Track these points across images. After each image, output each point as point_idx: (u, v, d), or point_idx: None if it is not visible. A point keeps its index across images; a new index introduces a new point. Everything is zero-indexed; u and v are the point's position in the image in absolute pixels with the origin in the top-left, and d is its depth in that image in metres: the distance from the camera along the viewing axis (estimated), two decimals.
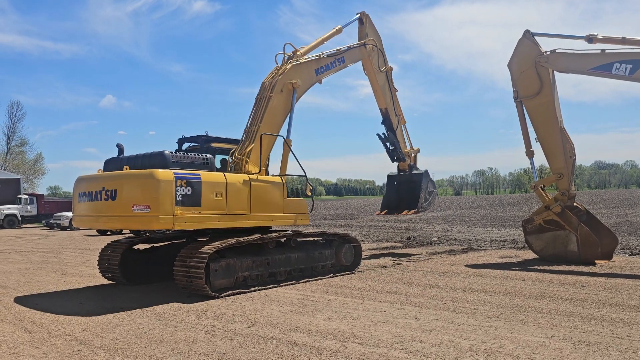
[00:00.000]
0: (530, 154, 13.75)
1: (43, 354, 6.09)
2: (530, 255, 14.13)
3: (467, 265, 12.89)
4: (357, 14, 15.39)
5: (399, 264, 13.54)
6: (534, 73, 13.17)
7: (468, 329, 6.73)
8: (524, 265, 12.62)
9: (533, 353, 5.64)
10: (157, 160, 9.47)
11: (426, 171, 16.25)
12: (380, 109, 16.00)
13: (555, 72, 13.23)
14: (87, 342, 6.57)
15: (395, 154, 16.01)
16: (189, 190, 9.25)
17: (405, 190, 16.24)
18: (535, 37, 13.37)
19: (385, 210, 16.35)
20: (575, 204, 13.34)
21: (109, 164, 10.27)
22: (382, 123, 16.11)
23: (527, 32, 13.42)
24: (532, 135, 13.58)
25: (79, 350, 6.19)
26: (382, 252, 16.60)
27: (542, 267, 12.12)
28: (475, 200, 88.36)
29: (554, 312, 7.67)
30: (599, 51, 12.16)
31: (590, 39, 12.47)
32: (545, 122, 13.23)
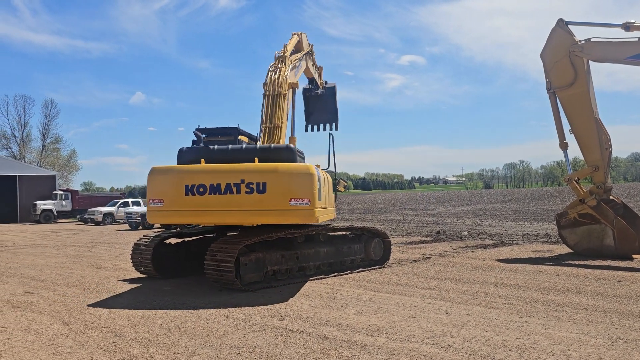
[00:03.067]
0: (564, 146, 13.43)
1: (80, 345, 6.26)
2: (564, 249, 13.82)
3: (498, 260, 12.69)
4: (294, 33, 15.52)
5: (429, 258, 13.42)
6: (568, 63, 12.82)
7: (500, 325, 6.62)
8: (557, 260, 12.35)
9: (568, 349, 5.51)
10: (285, 154, 9.61)
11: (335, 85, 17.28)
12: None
13: (590, 61, 12.86)
14: (121, 334, 6.72)
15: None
16: (318, 184, 9.50)
17: (323, 104, 17.00)
18: (569, 26, 13.01)
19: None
20: (611, 197, 12.97)
21: (189, 154, 9.82)
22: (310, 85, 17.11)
23: (560, 20, 13.07)
24: (566, 127, 13.24)
25: (114, 342, 6.34)
26: (411, 246, 16.48)
27: (576, 262, 11.84)
28: (506, 194, 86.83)
29: (590, 308, 7.48)
30: (637, 39, 11.77)
31: (627, 26, 12.07)
32: (580, 113, 12.88)
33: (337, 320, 7.12)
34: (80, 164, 78.30)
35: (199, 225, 10.39)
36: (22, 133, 67.78)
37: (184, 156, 9.83)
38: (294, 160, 9.51)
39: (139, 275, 11.52)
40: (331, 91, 17.11)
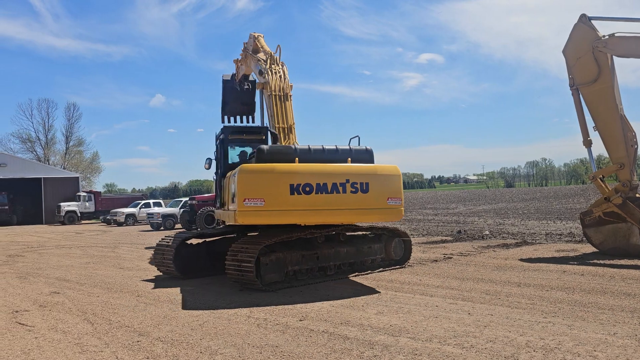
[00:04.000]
0: (587, 143, 13.19)
1: (105, 344, 6.35)
2: (588, 248, 13.58)
3: (521, 260, 12.52)
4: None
5: (450, 258, 13.31)
6: (591, 59, 12.59)
7: (524, 325, 6.53)
8: (582, 260, 12.14)
9: (595, 350, 5.41)
10: (366, 156, 10.00)
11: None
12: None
13: (614, 57, 12.61)
14: (145, 333, 6.80)
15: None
16: None
17: (241, 95, 16.25)
18: (592, 21, 12.77)
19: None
20: (637, 195, 12.69)
21: (275, 154, 9.67)
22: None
23: (583, 16, 12.84)
24: (590, 123, 13.00)
25: (138, 342, 6.42)
26: (432, 246, 16.37)
27: (602, 261, 11.62)
28: (529, 193, 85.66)
29: (617, 308, 7.34)
30: None
31: None
32: (604, 110, 12.63)
33: (358, 320, 7.10)
34: (102, 166, 79.57)
35: (299, 224, 10.09)
36: (47, 136, 69.10)
37: (265, 156, 9.59)
38: (372, 162, 9.93)
39: (161, 275, 11.65)
40: (252, 85, 16.23)
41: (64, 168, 60.98)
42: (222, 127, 12.00)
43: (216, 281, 10.77)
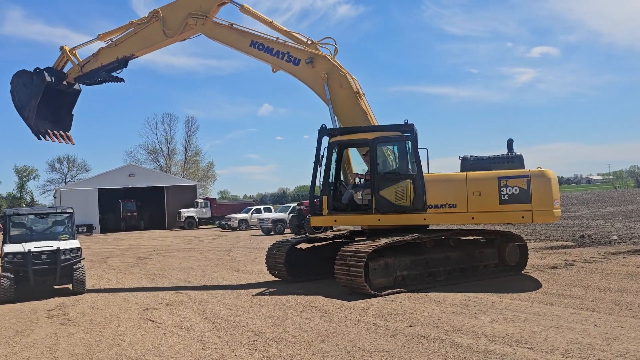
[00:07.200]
0: None
1: (225, 342, 6.74)
2: None
3: None
4: None
5: (572, 264, 12.38)
6: None
7: None
8: None
9: None
10: (518, 162, 10.67)
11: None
12: None
13: None
14: (260, 333, 7.11)
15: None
16: None
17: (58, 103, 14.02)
18: None
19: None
20: None
21: (482, 162, 10.87)
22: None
23: None
24: None
25: (254, 341, 6.73)
26: (551, 251, 15.34)
27: None
28: None
29: None
30: None
31: None
32: None
33: (471, 327, 6.86)
34: (217, 174, 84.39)
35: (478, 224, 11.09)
36: (168, 147, 74.96)
37: (467, 163, 10.90)
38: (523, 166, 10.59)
39: (273, 278, 12.10)
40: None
41: (183, 177, 65.58)
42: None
43: (325, 284, 10.96)
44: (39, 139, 13.53)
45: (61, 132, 14.02)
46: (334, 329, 7.17)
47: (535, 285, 9.91)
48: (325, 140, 11.35)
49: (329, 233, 12.40)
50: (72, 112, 14.35)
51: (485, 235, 11.40)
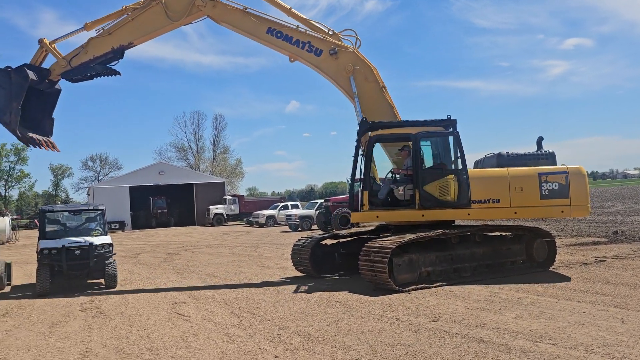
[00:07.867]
0: None
1: (249, 336, 6.89)
2: None
3: None
4: None
5: (603, 261, 12.14)
6: None
7: None
8: None
9: None
10: (551, 159, 11.14)
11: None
12: None
13: None
14: (284, 327, 7.24)
15: None
16: None
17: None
18: None
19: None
20: None
21: (515, 158, 11.20)
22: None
23: None
24: None
25: (278, 335, 6.86)
26: (581, 247, 15.06)
27: None
28: None
29: None
30: None
31: None
32: None
33: (495, 323, 6.84)
34: (244, 171, 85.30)
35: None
36: (197, 145, 76.16)
37: (503, 159, 11.25)
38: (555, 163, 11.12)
39: (298, 273, 12.23)
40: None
41: (212, 174, 66.47)
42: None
43: (350, 280, 11.03)
44: (28, 145, 12.31)
45: (45, 139, 12.30)
46: (357, 323, 7.24)
47: (563, 281, 9.77)
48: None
49: (354, 229, 12.42)
50: (53, 116, 12.67)
51: (512, 231, 11.27)
